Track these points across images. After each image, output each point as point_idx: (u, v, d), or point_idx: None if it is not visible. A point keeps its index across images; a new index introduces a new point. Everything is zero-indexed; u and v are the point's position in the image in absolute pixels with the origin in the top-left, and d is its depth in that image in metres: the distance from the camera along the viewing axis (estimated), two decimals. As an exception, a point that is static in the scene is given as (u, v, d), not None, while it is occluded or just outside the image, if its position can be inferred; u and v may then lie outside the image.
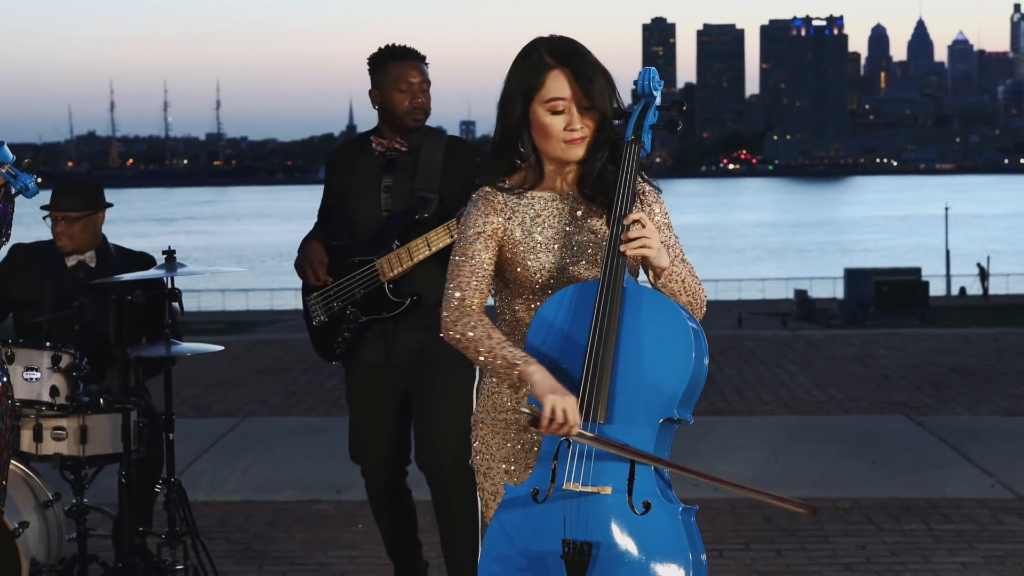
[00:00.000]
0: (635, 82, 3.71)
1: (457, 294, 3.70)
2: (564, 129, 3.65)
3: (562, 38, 3.71)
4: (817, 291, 59.13)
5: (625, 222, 3.54)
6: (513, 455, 3.77)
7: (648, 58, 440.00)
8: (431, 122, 5.52)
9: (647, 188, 3.77)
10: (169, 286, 5.66)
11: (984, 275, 64.90)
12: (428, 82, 5.39)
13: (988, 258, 68.58)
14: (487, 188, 3.76)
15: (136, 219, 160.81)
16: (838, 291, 58.44)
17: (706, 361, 3.59)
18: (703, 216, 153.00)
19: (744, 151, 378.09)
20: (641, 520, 3.50)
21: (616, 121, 3.69)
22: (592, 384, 3.52)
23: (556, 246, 3.70)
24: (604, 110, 3.64)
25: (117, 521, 5.82)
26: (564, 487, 3.53)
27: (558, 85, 3.64)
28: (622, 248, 3.52)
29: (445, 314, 3.71)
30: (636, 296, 3.57)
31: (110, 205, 6.11)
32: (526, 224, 3.71)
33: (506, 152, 3.75)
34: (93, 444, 5.55)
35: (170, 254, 5.58)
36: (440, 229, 5.17)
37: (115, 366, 5.71)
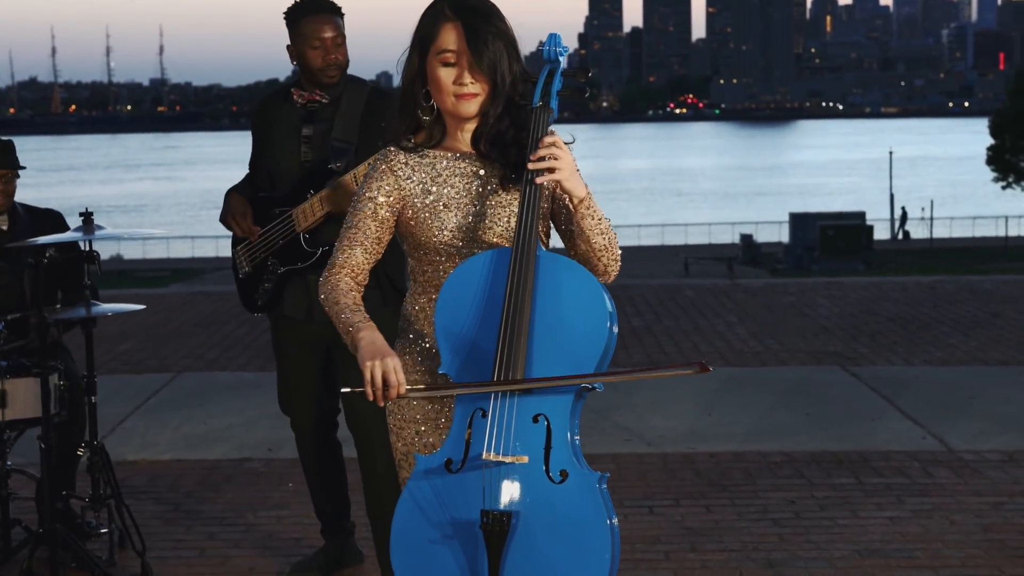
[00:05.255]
0: (541, 44, 3.65)
1: (334, 257, 3.72)
2: (454, 83, 3.60)
3: None
4: (763, 235, 59.38)
5: (540, 142, 3.47)
6: (423, 415, 3.74)
7: (594, 2, 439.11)
8: (357, 70, 5.48)
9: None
10: (86, 249, 5.56)
11: (904, 219, 65.65)
12: (342, 36, 5.34)
13: (932, 202, 69.15)
14: (390, 148, 3.72)
15: (100, 165, 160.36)
16: (783, 235, 58.70)
17: (616, 329, 3.54)
18: (650, 160, 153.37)
19: (691, 95, 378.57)
20: (558, 488, 3.46)
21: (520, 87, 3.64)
22: (508, 352, 3.47)
23: (458, 205, 3.65)
24: (494, 73, 3.58)
25: (38, 485, 5.74)
26: (484, 457, 3.49)
27: (450, 37, 3.59)
28: (535, 177, 3.45)
29: (323, 274, 3.73)
30: (552, 263, 3.51)
31: (23, 167, 6.01)
32: (426, 183, 3.67)
33: (408, 107, 3.70)
34: (13, 408, 5.48)
35: (87, 216, 5.48)
36: (348, 177, 5.11)
37: (33, 329, 5.62)
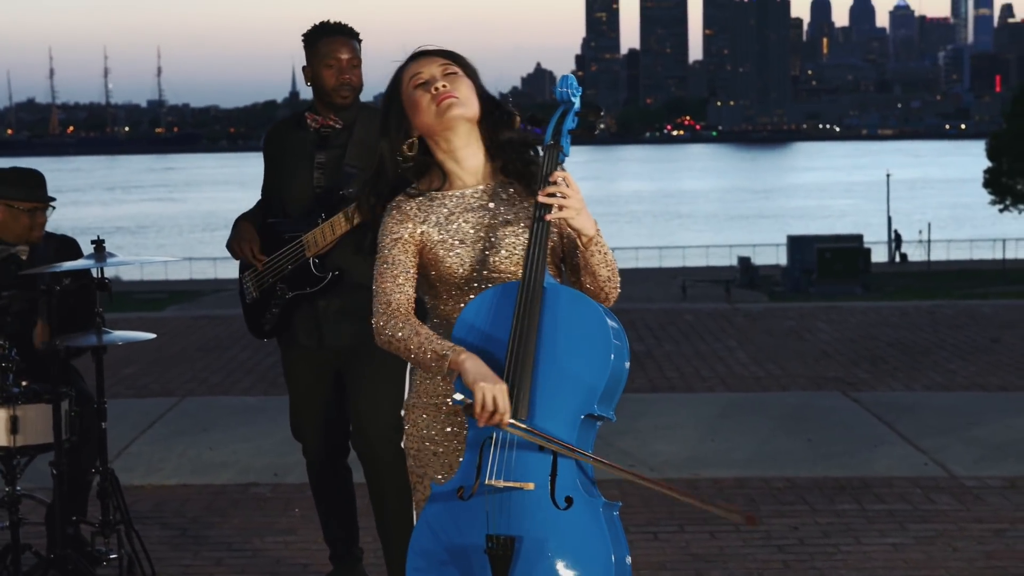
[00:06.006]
0: (555, 88, 3.74)
1: (383, 299, 3.75)
2: (430, 91, 3.73)
3: None
4: (760, 258, 59.44)
5: (551, 179, 3.56)
6: (443, 438, 3.80)
7: (591, 24, 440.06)
8: (367, 97, 5.57)
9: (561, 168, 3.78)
10: (98, 276, 5.60)
11: (899, 242, 65.82)
12: (358, 59, 5.42)
13: (929, 225, 69.22)
14: (400, 197, 3.82)
15: (101, 187, 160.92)
16: (781, 258, 58.77)
17: (626, 363, 3.62)
18: (647, 183, 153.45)
19: (688, 117, 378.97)
20: (563, 515, 3.53)
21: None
22: (512, 382, 3.55)
23: (471, 240, 3.74)
24: (471, 73, 3.78)
25: (51, 508, 5.78)
26: (487, 483, 3.55)
27: (417, 64, 3.79)
28: (547, 216, 3.54)
29: (374, 320, 3.75)
30: (555, 295, 3.60)
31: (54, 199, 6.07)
32: (441, 223, 3.76)
33: (380, 177, 3.85)
34: (24, 434, 5.49)
35: (99, 244, 5.53)
36: None
37: (45, 355, 5.65)
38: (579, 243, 3.64)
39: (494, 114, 3.78)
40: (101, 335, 5.58)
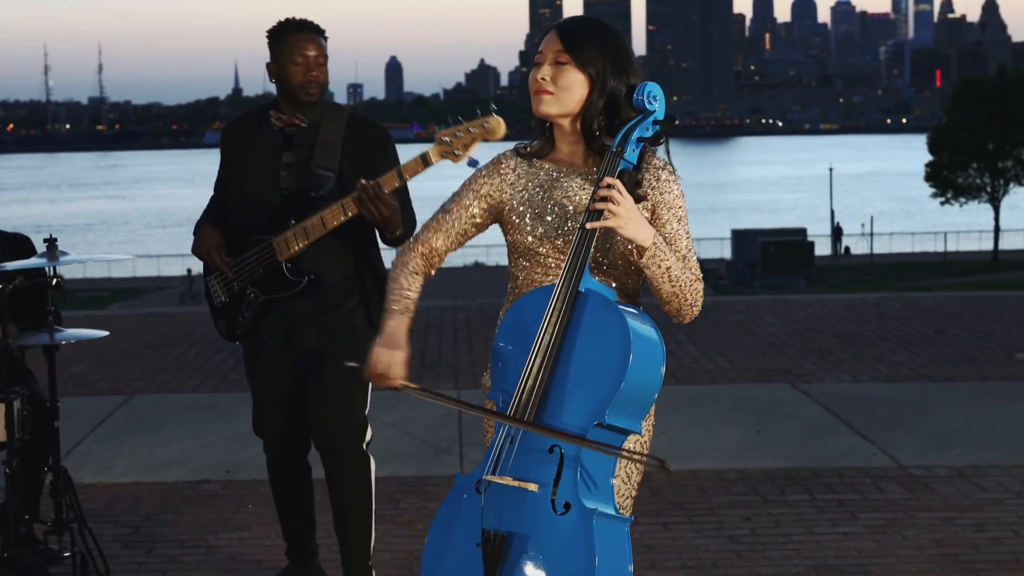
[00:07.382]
0: (633, 96, 3.66)
1: (416, 235, 3.90)
2: (535, 77, 3.72)
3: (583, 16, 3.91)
4: (705, 252, 59.72)
5: (601, 184, 3.52)
6: None
7: (535, 20, 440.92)
8: None
9: (662, 164, 3.76)
10: (51, 274, 5.58)
11: (839, 235, 66.36)
12: (325, 56, 5.32)
13: (872, 218, 69.77)
14: (506, 152, 3.88)
15: (47, 184, 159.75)
16: (726, 252, 59.09)
17: (655, 376, 3.55)
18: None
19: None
20: (558, 520, 3.50)
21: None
22: (526, 383, 3.56)
23: (551, 217, 3.73)
24: (583, 62, 3.68)
25: (3, 508, 5.74)
26: (491, 478, 3.57)
27: (544, 40, 3.76)
28: (588, 224, 3.52)
29: (403, 246, 3.94)
30: (585, 300, 3.55)
31: None
32: (529, 190, 3.78)
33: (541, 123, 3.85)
34: (-25, 434, 5.47)
35: (51, 242, 5.50)
36: (335, 207, 5.13)
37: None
38: (635, 255, 3.59)
39: (600, 112, 3.70)
40: (53, 333, 5.56)
